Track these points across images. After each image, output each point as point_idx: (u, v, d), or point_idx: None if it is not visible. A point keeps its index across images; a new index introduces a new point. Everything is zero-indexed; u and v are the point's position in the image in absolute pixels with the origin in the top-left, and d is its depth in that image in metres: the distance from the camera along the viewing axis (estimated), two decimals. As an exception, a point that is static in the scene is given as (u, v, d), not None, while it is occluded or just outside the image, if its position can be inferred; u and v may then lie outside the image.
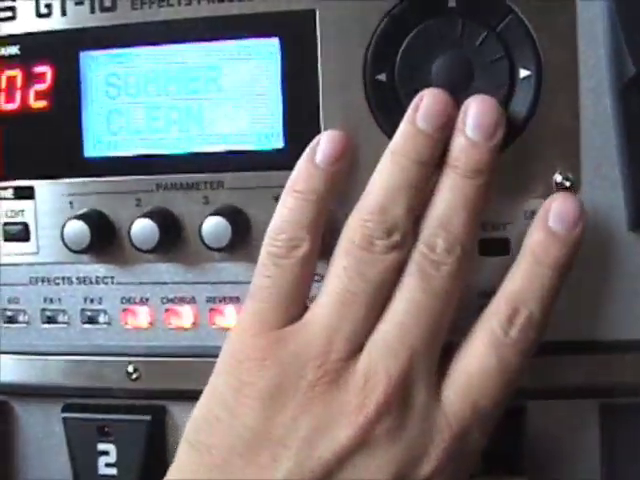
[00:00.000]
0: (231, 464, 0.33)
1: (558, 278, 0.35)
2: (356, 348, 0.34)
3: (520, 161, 0.38)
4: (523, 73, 0.38)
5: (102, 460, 0.41)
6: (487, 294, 0.38)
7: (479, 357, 0.35)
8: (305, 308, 0.35)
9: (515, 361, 0.35)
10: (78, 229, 0.39)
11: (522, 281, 0.35)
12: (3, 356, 0.41)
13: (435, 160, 0.36)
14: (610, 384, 0.39)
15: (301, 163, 0.36)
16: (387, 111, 0.38)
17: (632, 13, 0.37)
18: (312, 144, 0.37)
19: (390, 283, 0.34)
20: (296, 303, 0.35)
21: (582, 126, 0.38)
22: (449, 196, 0.35)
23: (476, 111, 0.35)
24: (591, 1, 0.37)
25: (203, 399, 0.35)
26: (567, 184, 0.38)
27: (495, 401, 0.35)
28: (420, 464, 0.33)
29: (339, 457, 0.33)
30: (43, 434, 0.43)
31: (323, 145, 0.36)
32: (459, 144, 0.35)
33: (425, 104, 0.35)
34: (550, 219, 0.35)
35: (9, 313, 0.42)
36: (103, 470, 0.41)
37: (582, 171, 0.38)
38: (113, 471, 0.41)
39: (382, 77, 0.38)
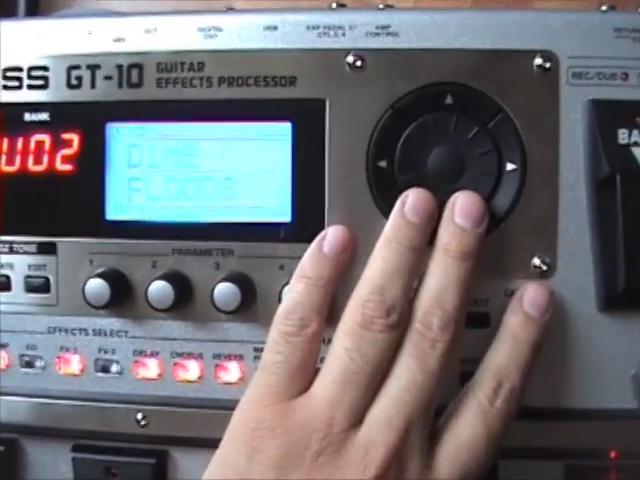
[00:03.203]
0: None
1: (534, 354, 0.42)
2: (357, 421, 0.40)
3: (502, 245, 0.44)
4: (509, 166, 0.44)
5: (108, 499, 0.47)
6: (468, 362, 0.45)
7: (469, 426, 0.41)
8: (312, 381, 0.41)
9: (499, 428, 0.41)
10: (98, 287, 0.44)
11: (504, 357, 0.42)
12: (19, 398, 0.47)
13: (425, 246, 0.42)
14: (574, 448, 0.45)
15: (310, 252, 0.42)
16: (386, 195, 0.44)
17: (609, 119, 0.43)
18: (320, 236, 0.43)
19: (388, 360, 0.41)
20: (304, 377, 0.41)
21: (560, 216, 0.44)
22: (442, 277, 0.41)
23: (464, 202, 0.42)
24: (573, 105, 0.44)
25: (215, 464, 0.40)
26: (544, 268, 0.44)
27: (481, 465, 0.41)
28: None
29: None
30: (51, 472, 0.48)
31: (330, 237, 0.43)
32: (449, 230, 0.42)
33: (411, 200, 0.42)
34: (525, 304, 0.43)
35: (27, 359, 0.47)
36: (108, 509, 0.47)
37: (558, 256, 0.44)
38: (118, 510, 0.47)
39: (383, 164, 0.44)
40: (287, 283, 0.44)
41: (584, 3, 0.65)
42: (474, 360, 0.45)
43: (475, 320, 0.45)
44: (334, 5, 0.47)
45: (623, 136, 0.43)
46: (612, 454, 0.46)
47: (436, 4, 0.66)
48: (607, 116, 0.44)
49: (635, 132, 0.43)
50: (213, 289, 0.44)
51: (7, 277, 0.47)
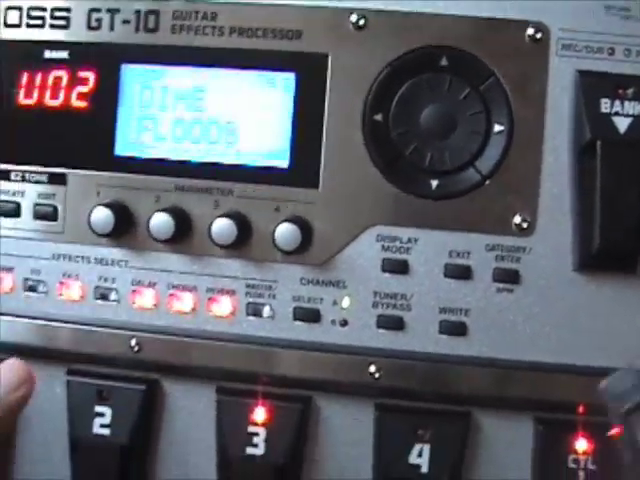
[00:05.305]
0: None
1: None
2: None
3: (486, 202, 0.49)
4: (497, 128, 0.49)
5: (97, 421, 0.51)
6: (448, 310, 0.49)
7: None
8: None
9: None
10: (104, 215, 0.49)
11: None
12: (21, 319, 0.52)
13: None
14: (545, 400, 0.50)
15: None
16: (379, 146, 0.49)
17: (594, 89, 0.48)
18: None
19: None
20: None
21: (542, 178, 0.49)
22: None
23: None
24: (561, 75, 0.49)
25: None
26: (524, 226, 0.49)
27: None
28: None
29: None
30: (46, 394, 0.53)
31: (3, 375, 0.44)
32: None
33: None
34: None
35: (30, 283, 0.52)
36: (97, 430, 0.51)
37: (538, 216, 0.49)
38: (106, 431, 0.51)
39: (379, 117, 0.50)
40: (281, 223, 0.49)
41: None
42: (454, 310, 0.50)
43: (456, 271, 0.50)
44: (343, -30, 0.52)
45: (606, 105, 0.48)
46: (580, 409, 0.50)
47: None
48: (592, 86, 0.48)
49: (617, 102, 0.48)
50: (211, 224, 0.49)
51: (17, 204, 0.52)
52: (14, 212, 0.52)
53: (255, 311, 0.50)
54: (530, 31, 0.49)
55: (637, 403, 0.38)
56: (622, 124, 0.48)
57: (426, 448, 0.50)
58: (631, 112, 0.48)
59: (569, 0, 0.49)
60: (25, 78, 0.52)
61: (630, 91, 0.48)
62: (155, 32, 0.51)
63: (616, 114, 0.48)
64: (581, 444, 0.50)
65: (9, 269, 0.52)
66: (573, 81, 0.49)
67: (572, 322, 0.49)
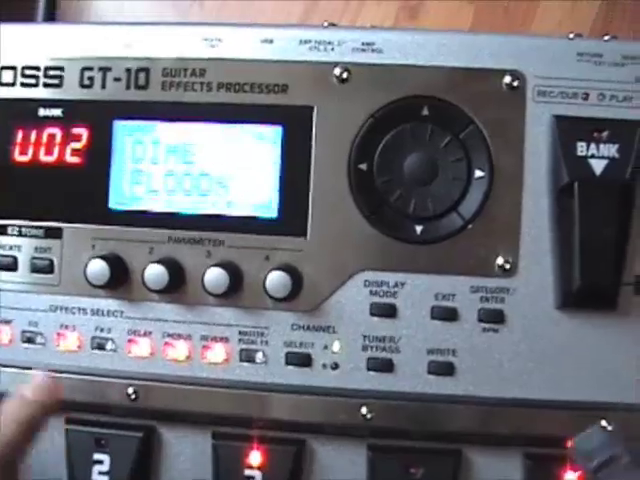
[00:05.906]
0: None
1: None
2: None
3: (469, 245, 0.51)
4: (478, 174, 0.51)
5: (96, 468, 0.53)
6: (436, 352, 0.51)
7: None
8: None
9: None
10: (99, 267, 0.51)
11: None
12: (20, 371, 0.53)
13: None
14: (533, 435, 0.52)
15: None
16: (364, 194, 0.52)
17: (570, 133, 0.50)
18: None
19: None
20: None
21: (523, 220, 0.51)
22: None
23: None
24: (538, 120, 0.51)
25: None
26: (507, 267, 0.51)
27: None
28: None
29: None
30: (45, 442, 0.54)
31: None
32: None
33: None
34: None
35: (28, 334, 0.54)
36: (96, 477, 0.53)
37: (520, 257, 0.51)
38: (105, 478, 0.53)
39: (363, 166, 0.52)
40: (271, 271, 0.51)
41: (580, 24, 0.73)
42: (441, 350, 0.52)
43: (443, 313, 0.51)
44: (325, 24, 0.54)
45: (582, 149, 0.50)
46: (567, 443, 0.52)
47: (439, 23, 0.75)
48: (568, 130, 0.51)
49: (592, 145, 0.50)
50: (204, 273, 0.51)
51: (15, 258, 0.54)
52: (11, 266, 0.54)
53: (248, 357, 0.52)
54: (507, 79, 0.51)
55: (604, 461, 0.40)
56: (598, 166, 0.50)
57: (419, 486, 0.53)
58: (606, 154, 0.50)
59: (543, 48, 0.52)
60: (20, 135, 0.54)
61: (605, 134, 0.51)
62: (146, 89, 0.53)
63: (592, 157, 0.50)
64: (569, 477, 0.52)
65: (7, 322, 0.54)
66: (550, 126, 0.51)
67: (556, 359, 0.51)
